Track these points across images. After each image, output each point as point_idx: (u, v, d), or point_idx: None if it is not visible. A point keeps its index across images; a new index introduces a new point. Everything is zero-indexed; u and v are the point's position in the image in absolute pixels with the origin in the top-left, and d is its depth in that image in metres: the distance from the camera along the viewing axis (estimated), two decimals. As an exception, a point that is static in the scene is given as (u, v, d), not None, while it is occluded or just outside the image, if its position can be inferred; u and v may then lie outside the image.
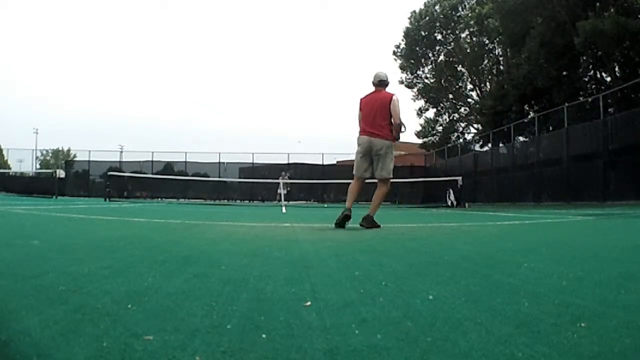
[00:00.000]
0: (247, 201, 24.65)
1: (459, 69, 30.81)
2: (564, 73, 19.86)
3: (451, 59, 30.75)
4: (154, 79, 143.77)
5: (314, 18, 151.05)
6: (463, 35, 29.42)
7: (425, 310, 1.23)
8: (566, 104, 15.33)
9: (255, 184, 24.65)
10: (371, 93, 4.99)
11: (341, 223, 4.60)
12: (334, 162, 29.75)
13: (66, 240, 3.10)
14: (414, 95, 32.05)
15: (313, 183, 24.37)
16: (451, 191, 17.68)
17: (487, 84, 29.29)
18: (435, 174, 22.99)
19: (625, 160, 12.41)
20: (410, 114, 34.14)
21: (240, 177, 27.16)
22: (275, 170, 24.15)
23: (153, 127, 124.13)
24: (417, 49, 30.52)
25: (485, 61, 28.86)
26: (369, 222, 4.58)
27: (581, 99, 18.44)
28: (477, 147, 24.57)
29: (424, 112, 32.44)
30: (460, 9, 28.83)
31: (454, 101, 32.01)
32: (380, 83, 4.98)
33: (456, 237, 3.74)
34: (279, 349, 0.91)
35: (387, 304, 1.30)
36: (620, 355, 0.89)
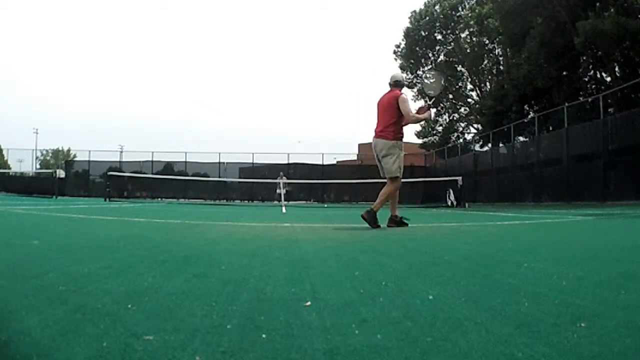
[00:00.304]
0: (247, 201, 24.66)
1: (459, 69, 30.80)
2: (564, 73, 19.86)
3: (451, 59, 30.75)
4: (154, 79, 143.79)
5: (314, 18, 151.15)
6: (463, 35, 29.42)
7: (425, 310, 1.23)
8: (566, 104, 15.33)
9: (255, 184, 24.66)
10: (386, 94, 5.02)
11: (394, 226, 4.72)
12: (334, 162, 29.80)
13: (66, 240, 3.11)
14: (414, 95, 32.03)
15: (313, 183, 24.38)
16: (451, 191, 17.68)
17: (487, 84, 29.29)
18: (435, 174, 22.99)
19: (625, 160, 12.41)
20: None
21: (240, 177, 27.18)
22: (275, 170, 24.16)
23: (153, 127, 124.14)
24: (417, 49, 30.52)
25: (485, 61, 28.85)
26: (370, 217, 4.59)
27: (581, 99, 18.44)
28: (477, 147, 24.57)
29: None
30: (460, 9, 28.83)
31: (454, 101, 32.01)
32: (396, 83, 5.03)
33: (456, 237, 3.74)
34: (279, 349, 0.91)
35: (387, 304, 1.30)
36: (620, 355, 0.89)
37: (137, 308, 1.21)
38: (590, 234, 4.35)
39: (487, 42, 27.88)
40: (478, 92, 29.94)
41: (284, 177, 20.70)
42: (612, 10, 17.44)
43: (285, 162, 26.83)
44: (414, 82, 31.65)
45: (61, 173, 25.87)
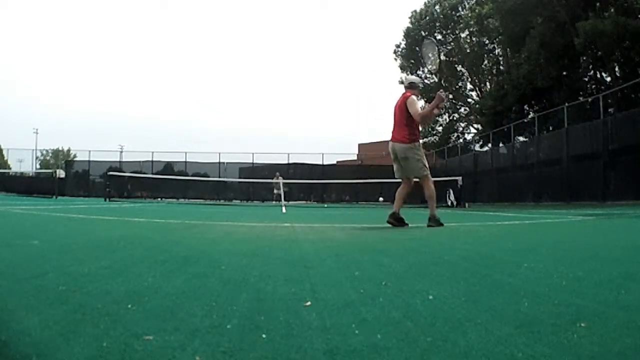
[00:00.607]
0: (247, 201, 24.65)
1: (459, 69, 30.82)
2: (564, 73, 19.86)
3: (451, 59, 30.75)
4: (154, 79, 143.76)
5: (314, 18, 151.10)
6: (463, 35, 29.42)
7: (425, 310, 1.23)
8: (566, 104, 15.33)
9: (255, 184, 24.66)
10: (399, 97, 5.10)
11: (394, 223, 4.77)
12: (334, 162, 29.79)
13: (66, 240, 3.10)
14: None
15: (313, 183, 24.38)
16: (451, 191, 17.68)
17: (487, 84, 29.29)
18: (435, 174, 22.81)
19: (625, 160, 12.40)
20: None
21: (240, 177, 27.17)
22: (274, 170, 24.17)
23: (153, 127, 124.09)
24: (418, 48, 30.51)
25: (485, 61, 28.86)
26: (434, 222, 4.68)
27: (581, 99, 18.44)
28: (477, 147, 24.58)
29: (424, 112, 32.39)
30: (460, 9, 28.84)
31: (454, 101, 32.01)
32: (411, 85, 5.14)
33: (456, 237, 3.74)
34: (279, 349, 0.91)
35: (387, 304, 1.30)
36: (620, 355, 0.89)
37: (137, 308, 1.21)
38: (590, 234, 4.35)
39: (487, 42, 27.88)
40: (478, 92, 29.95)
41: (280, 177, 20.72)
42: (612, 10, 17.45)
43: (285, 162, 26.85)
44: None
45: (61, 173, 25.88)
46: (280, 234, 3.79)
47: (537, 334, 1.01)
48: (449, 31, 29.72)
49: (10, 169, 35.55)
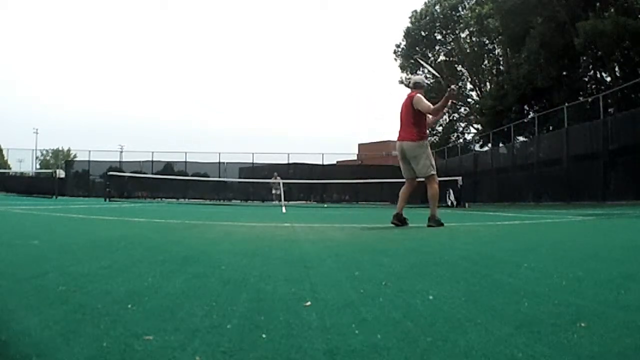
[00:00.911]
0: (248, 201, 24.65)
1: (459, 69, 30.82)
2: (564, 73, 19.86)
3: (451, 59, 30.76)
4: (154, 79, 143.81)
5: (314, 18, 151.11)
6: (463, 35, 29.43)
7: (425, 310, 1.23)
8: (566, 104, 15.33)
9: (255, 184, 24.66)
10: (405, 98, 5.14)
11: (397, 223, 4.77)
12: (334, 162, 29.79)
13: (66, 240, 3.10)
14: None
15: (313, 183, 24.38)
16: (451, 191, 17.67)
17: (487, 84, 29.29)
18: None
19: (625, 160, 12.41)
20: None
21: (240, 177, 27.17)
22: (274, 170, 24.17)
23: (153, 127, 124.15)
24: (418, 48, 30.54)
25: (485, 61, 28.86)
26: (434, 222, 4.68)
27: (581, 99, 18.44)
28: (477, 147, 24.59)
29: (424, 112, 32.40)
30: (460, 9, 28.83)
31: (454, 101, 31.97)
32: (415, 86, 5.17)
33: (456, 237, 3.74)
34: (279, 349, 0.91)
35: (387, 304, 1.29)
36: (620, 355, 0.89)
37: (137, 308, 1.21)
38: (590, 234, 4.35)
39: (487, 42, 27.87)
40: (478, 92, 29.94)
41: (278, 177, 20.72)
42: (612, 10, 17.44)
43: (285, 162, 26.85)
44: (414, 82, 31.64)
45: (61, 173, 25.88)
46: (280, 234, 3.79)
47: (537, 334, 1.01)
48: (449, 31, 29.72)
49: (10, 169, 35.55)
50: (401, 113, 5.05)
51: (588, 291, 1.45)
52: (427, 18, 29.46)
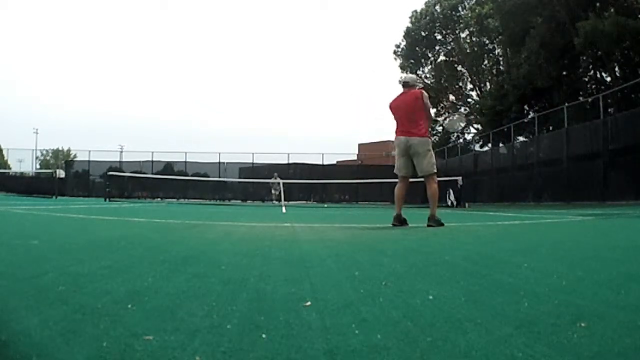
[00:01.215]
0: (249, 201, 24.66)
1: (459, 69, 30.83)
2: (564, 73, 19.88)
3: (451, 58, 30.77)
4: (154, 79, 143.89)
5: (314, 18, 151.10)
6: (463, 35, 29.45)
7: (425, 310, 1.23)
8: (566, 104, 15.34)
9: (255, 184, 24.66)
10: (398, 96, 5.12)
11: (398, 225, 4.75)
12: (334, 162, 29.80)
13: (66, 240, 3.10)
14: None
15: (313, 183, 24.38)
16: (451, 191, 17.68)
17: (487, 84, 29.31)
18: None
19: (625, 160, 12.41)
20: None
21: (240, 177, 27.18)
22: (274, 170, 24.18)
23: (153, 127, 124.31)
24: (418, 48, 30.55)
25: (485, 61, 28.88)
26: (434, 222, 4.67)
27: (581, 99, 18.46)
28: (477, 147, 24.60)
29: (424, 112, 32.44)
30: (460, 9, 28.85)
31: (454, 101, 32.02)
32: (405, 84, 5.17)
33: (456, 237, 3.74)
34: (279, 349, 0.91)
35: (387, 304, 1.29)
36: (620, 355, 0.89)
37: (137, 308, 1.21)
38: (590, 234, 4.35)
39: (487, 42, 27.90)
40: (478, 92, 29.96)
41: (277, 177, 20.72)
42: (612, 10, 17.45)
43: (285, 162, 26.86)
44: (414, 82, 31.65)
45: (61, 173, 25.86)
46: (280, 234, 3.78)
47: (537, 334, 1.01)
48: (449, 31, 29.73)
49: (10, 169, 35.55)
50: (403, 109, 4.99)
51: (588, 291, 1.45)
52: (427, 18, 29.48)
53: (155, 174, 25.56)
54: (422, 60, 31.44)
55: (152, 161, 27.07)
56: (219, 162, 26.68)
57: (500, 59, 27.70)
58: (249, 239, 3.33)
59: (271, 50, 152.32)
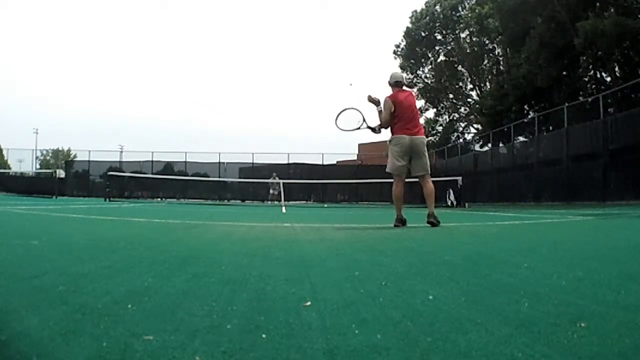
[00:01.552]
0: (248, 201, 24.65)
1: (459, 69, 30.84)
2: (564, 73, 19.87)
3: (451, 58, 30.78)
4: (154, 79, 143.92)
5: (314, 18, 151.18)
6: (463, 35, 29.45)
7: (425, 310, 1.23)
8: (566, 104, 15.33)
9: (255, 184, 24.66)
10: (401, 92, 5.09)
11: (400, 225, 4.73)
12: (334, 162, 29.79)
13: (66, 240, 3.10)
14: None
15: (313, 183, 24.37)
16: (451, 191, 17.68)
17: (487, 84, 29.31)
18: (435, 174, 22.87)
19: (625, 160, 12.40)
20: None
21: (240, 177, 27.17)
22: (274, 170, 24.17)
23: (153, 127, 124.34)
24: (418, 48, 30.55)
25: (485, 61, 28.88)
26: (435, 218, 4.69)
27: (581, 99, 18.44)
28: (477, 147, 24.58)
29: (424, 112, 32.52)
30: (460, 9, 28.85)
31: (454, 101, 32.04)
32: (396, 83, 5.15)
33: (456, 237, 3.74)
34: (279, 349, 0.91)
35: (387, 304, 1.29)
36: (620, 355, 0.89)
37: (137, 308, 1.21)
38: (590, 234, 4.35)
39: (487, 42, 27.90)
40: (478, 92, 29.96)
41: (276, 177, 20.71)
42: (612, 10, 17.45)
43: (285, 162, 26.85)
44: (415, 82, 31.72)
45: (61, 173, 25.85)
46: (280, 234, 3.78)
47: (537, 334, 1.01)
48: (449, 31, 29.73)
49: (10, 169, 35.55)
50: (408, 108, 4.99)
51: (588, 291, 1.45)
52: (427, 18, 29.47)
53: (155, 174, 25.55)
54: (422, 60, 31.44)
55: (152, 161, 27.06)
56: (219, 162, 26.67)
57: (500, 59, 27.70)
58: (249, 239, 3.33)
59: (271, 50, 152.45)
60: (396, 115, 4.94)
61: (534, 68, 19.53)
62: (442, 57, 31.06)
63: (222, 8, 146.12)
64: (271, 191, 21.43)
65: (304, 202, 25.22)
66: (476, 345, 0.94)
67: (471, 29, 27.93)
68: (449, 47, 30.60)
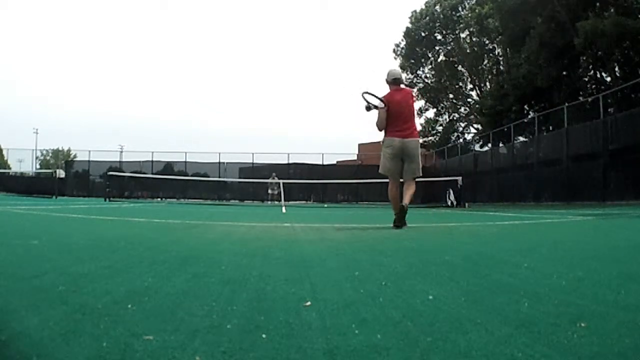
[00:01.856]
0: (248, 201, 24.64)
1: (459, 69, 30.84)
2: (564, 73, 19.86)
3: (451, 58, 30.78)
4: (154, 79, 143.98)
5: (314, 18, 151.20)
6: (463, 35, 29.46)
7: (425, 310, 1.23)
8: (566, 104, 15.33)
9: (255, 184, 24.66)
10: (398, 91, 4.86)
11: (399, 226, 4.58)
12: (334, 162, 29.80)
13: (66, 240, 3.10)
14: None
15: (313, 183, 24.37)
16: (451, 191, 17.68)
17: (487, 84, 29.31)
18: (435, 174, 22.98)
19: (625, 160, 12.40)
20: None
21: (240, 177, 27.17)
22: (274, 170, 24.17)
23: (153, 127, 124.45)
24: (418, 48, 30.55)
25: (485, 61, 28.88)
26: (405, 212, 4.57)
27: (581, 99, 18.44)
28: (477, 147, 24.58)
29: (424, 112, 32.54)
30: (460, 9, 28.85)
31: (454, 101, 32.04)
32: (394, 81, 4.91)
33: (456, 237, 3.74)
34: (279, 349, 0.91)
35: (387, 304, 1.29)
36: (620, 355, 0.89)
37: (137, 308, 1.21)
38: (590, 234, 4.35)
39: (487, 42, 27.90)
40: (478, 92, 29.96)
41: (276, 177, 20.69)
42: (612, 10, 17.45)
43: (285, 162, 26.85)
44: (415, 82, 31.73)
45: (61, 173, 25.84)
46: (280, 234, 3.78)
47: (537, 334, 1.01)
48: (449, 31, 29.73)
49: (10, 169, 35.54)
50: (404, 108, 4.77)
51: (588, 291, 1.45)
52: (427, 18, 29.48)
53: (155, 174, 25.55)
54: (422, 60, 31.45)
55: (152, 161, 27.06)
56: (219, 162, 26.67)
57: (500, 59, 27.71)
58: (249, 239, 3.33)
59: (271, 50, 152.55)
60: (390, 115, 4.76)
61: (534, 68, 19.53)
62: (442, 57, 31.06)
63: (222, 8, 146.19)
64: (270, 191, 21.43)
65: (304, 202, 25.21)
66: (476, 345, 0.94)
67: (471, 29, 27.93)
68: (449, 47, 30.61)
